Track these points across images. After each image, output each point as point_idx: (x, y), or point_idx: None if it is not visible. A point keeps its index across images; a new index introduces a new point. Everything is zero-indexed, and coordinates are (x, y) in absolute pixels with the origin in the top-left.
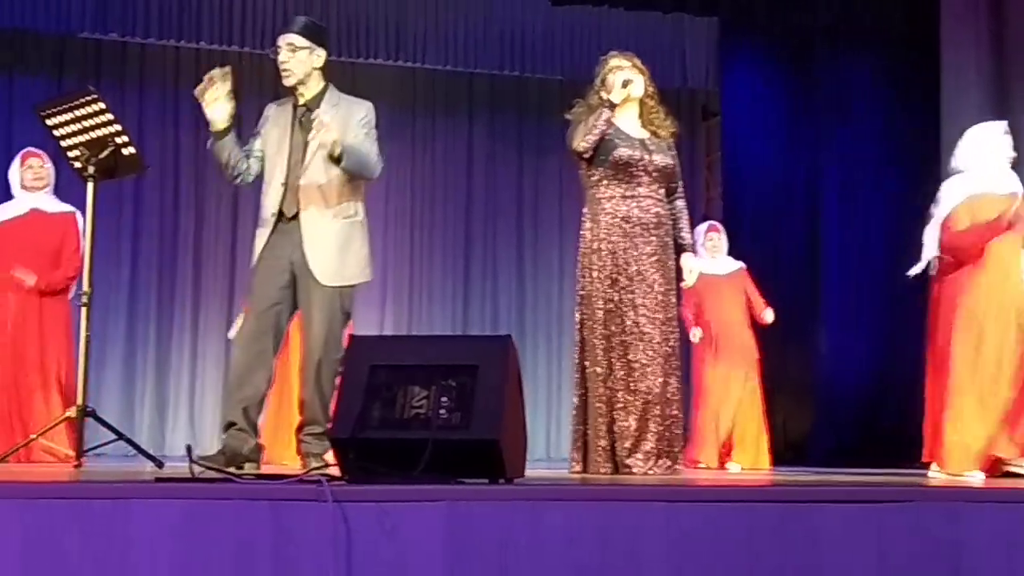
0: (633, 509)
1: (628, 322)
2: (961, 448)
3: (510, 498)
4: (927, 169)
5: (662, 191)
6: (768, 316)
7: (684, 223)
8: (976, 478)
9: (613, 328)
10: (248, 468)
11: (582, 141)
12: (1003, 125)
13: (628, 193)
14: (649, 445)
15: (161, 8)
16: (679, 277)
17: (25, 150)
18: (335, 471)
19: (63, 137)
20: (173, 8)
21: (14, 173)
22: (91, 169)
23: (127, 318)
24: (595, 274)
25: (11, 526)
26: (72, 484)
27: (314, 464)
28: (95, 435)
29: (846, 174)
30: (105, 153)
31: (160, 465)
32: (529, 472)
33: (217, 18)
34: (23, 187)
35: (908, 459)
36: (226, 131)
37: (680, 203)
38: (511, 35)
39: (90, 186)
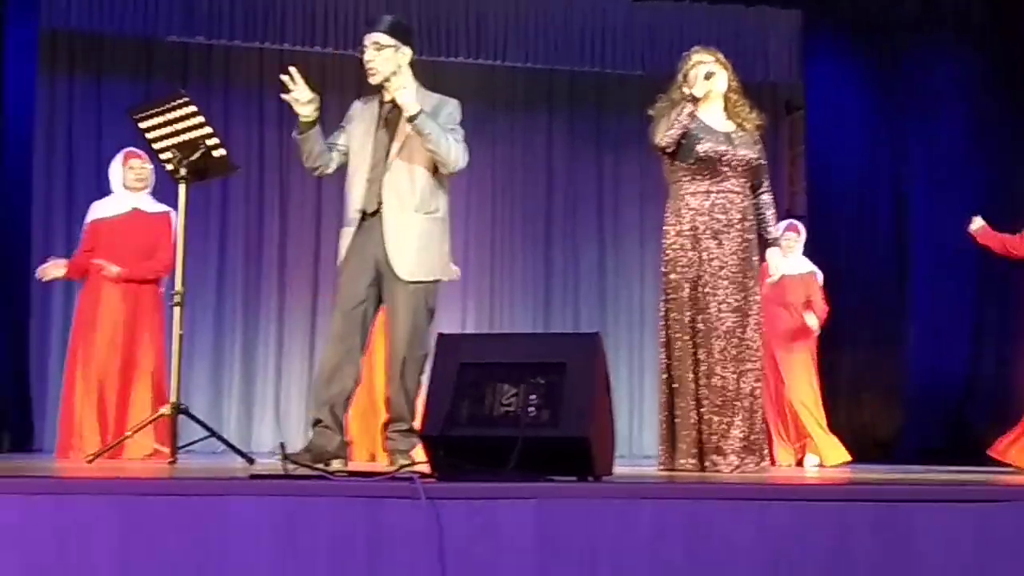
0: (724, 507)
1: (712, 318)
2: None
3: (600, 496)
4: (1017, 160)
5: (747, 185)
6: (810, 320)
7: (770, 217)
8: None
9: (697, 325)
10: (335, 465)
11: (664, 136)
12: None
13: (712, 188)
14: (735, 442)
15: (246, 11)
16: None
17: (127, 150)
18: (425, 468)
19: (155, 140)
20: (258, 11)
21: (115, 172)
22: (183, 171)
23: (214, 316)
24: (679, 270)
25: (111, 522)
26: (170, 480)
27: (401, 461)
28: (186, 432)
29: (933, 167)
30: (196, 155)
31: (251, 462)
32: (614, 469)
33: (301, 20)
34: (125, 187)
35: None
36: (312, 123)
37: (766, 197)
38: (591, 31)
39: (182, 187)
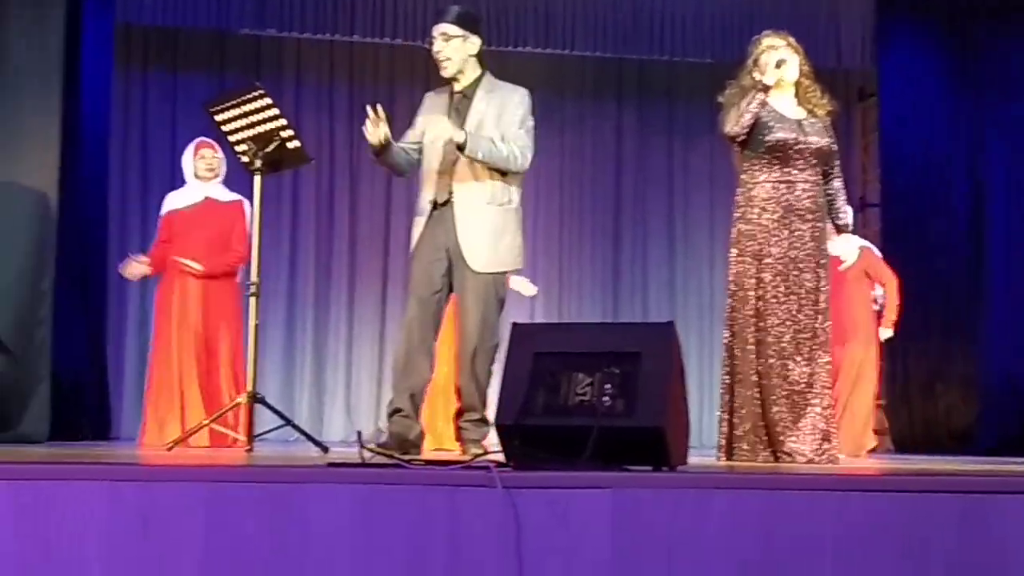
0: (801, 498)
1: (780, 308)
2: None
3: (677, 486)
4: None
5: (818, 173)
6: (884, 332)
7: (841, 204)
8: None
9: (765, 314)
10: (412, 454)
11: (735, 125)
12: None
13: (783, 177)
14: (805, 433)
15: (317, 4)
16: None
17: (199, 140)
18: (499, 457)
19: (231, 132)
20: (328, 4)
21: (187, 162)
22: (258, 162)
23: (286, 306)
24: (748, 259)
25: (194, 508)
26: (251, 468)
27: (473, 450)
28: (260, 420)
29: (1011, 154)
30: (271, 147)
31: (325, 450)
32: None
33: (370, 12)
34: (196, 176)
35: None
36: (383, 148)
37: (837, 184)
38: (660, 19)
39: (257, 179)
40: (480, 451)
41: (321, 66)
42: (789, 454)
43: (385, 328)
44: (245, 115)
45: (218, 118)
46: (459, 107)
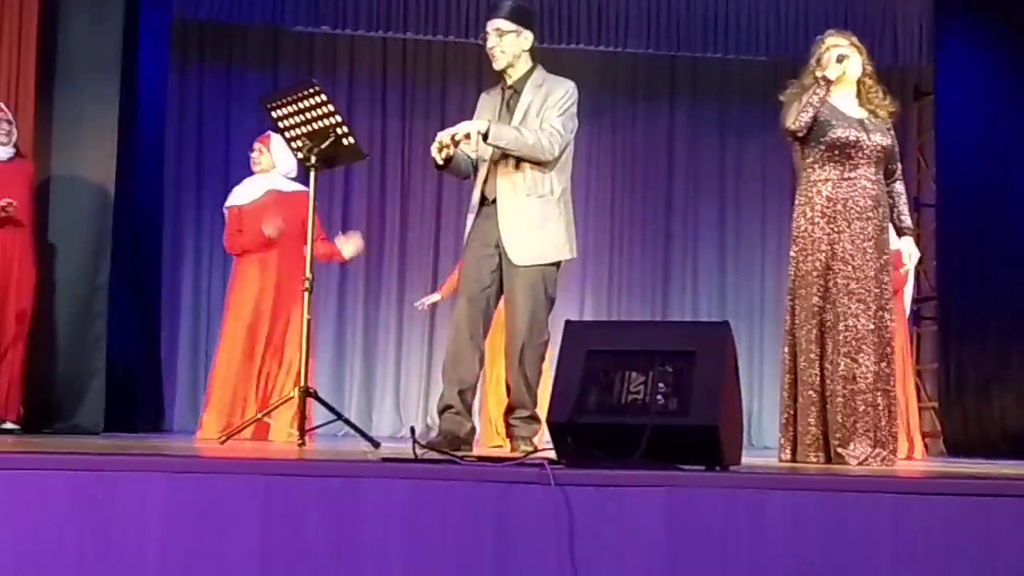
0: (859, 501)
1: (840, 308)
2: None
3: (732, 486)
4: None
5: (879, 173)
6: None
7: (903, 206)
8: None
9: (825, 314)
10: (463, 450)
11: (795, 120)
12: None
13: (844, 175)
14: (863, 434)
15: (370, 1)
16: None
17: (265, 134)
18: (551, 454)
19: (287, 128)
20: (381, 1)
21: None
22: (313, 159)
23: (337, 302)
24: (808, 258)
25: (250, 501)
26: (306, 462)
27: (523, 447)
28: (313, 415)
29: None
30: (327, 143)
31: (376, 445)
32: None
33: (423, 9)
34: (261, 168)
35: None
36: (445, 165)
37: (899, 186)
38: (714, 16)
39: (312, 175)
40: (531, 448)
41: (374, 63)
42: (846, 455)
43: (435, 325)
44: (301, 111)
45: (274, 114)
46: (510, 101)
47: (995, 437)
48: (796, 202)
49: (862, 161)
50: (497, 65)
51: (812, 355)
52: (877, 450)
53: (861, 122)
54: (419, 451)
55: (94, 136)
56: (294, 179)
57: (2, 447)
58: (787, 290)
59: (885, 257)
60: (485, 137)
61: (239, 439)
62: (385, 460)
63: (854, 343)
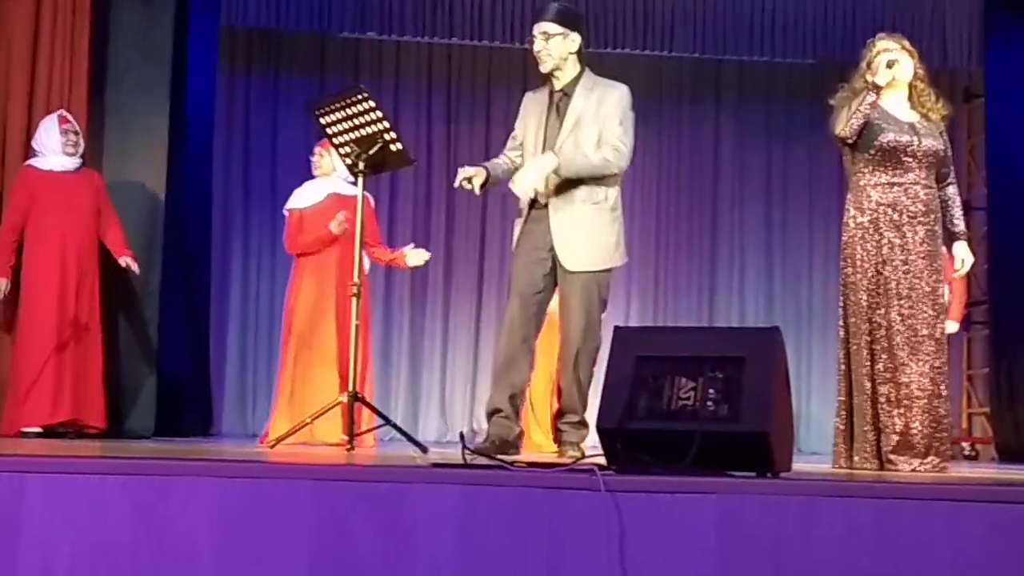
0: (913, 508)
1: (893, 314)
2: None
3: (785, 492)
4: None
5: (931, 177)
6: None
7: (956, 210)
8: None
9: (878, 320)
10: (511, 455)
11: (845, 126)
12: None
13: (895, 180)
14: (916, 441)
15: (415, 7)
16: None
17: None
18: (601, 460)
19: (335, 135)
20: (426, 6)
21: (336, 157)
22: (361, 164)
23: (383, 307)
24: (859, 264)
25: (302, 506)
26: (358, 467)
27: (572, 452)
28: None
29: None
30: (374, 149)
31: (424, 450)
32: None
33: (468, 14)
34: (322, 172)
35: None
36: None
37: (951, 189)
38: (760, 19)
39: (360, 180)
40: (579, 453)
41: (419, 68)
42: (899, 462)
43: (480, 330)
44: (349, 117)
45: (322, 120)
46: (559, 105)
47: None
48: (846, 207)
49: (913, 165)
50: (544, 68)
51: (865, 361)
52: (931, 457)
53: (912, 126)
54: (468, 456)
55: (145, 144)
56: (353, 183)
57: (56, 451)
58: (839, 296)
59: (938, 262)
60: (557, 172)
61: (296, 444)
62: (435, 465)
63: (907, 348)
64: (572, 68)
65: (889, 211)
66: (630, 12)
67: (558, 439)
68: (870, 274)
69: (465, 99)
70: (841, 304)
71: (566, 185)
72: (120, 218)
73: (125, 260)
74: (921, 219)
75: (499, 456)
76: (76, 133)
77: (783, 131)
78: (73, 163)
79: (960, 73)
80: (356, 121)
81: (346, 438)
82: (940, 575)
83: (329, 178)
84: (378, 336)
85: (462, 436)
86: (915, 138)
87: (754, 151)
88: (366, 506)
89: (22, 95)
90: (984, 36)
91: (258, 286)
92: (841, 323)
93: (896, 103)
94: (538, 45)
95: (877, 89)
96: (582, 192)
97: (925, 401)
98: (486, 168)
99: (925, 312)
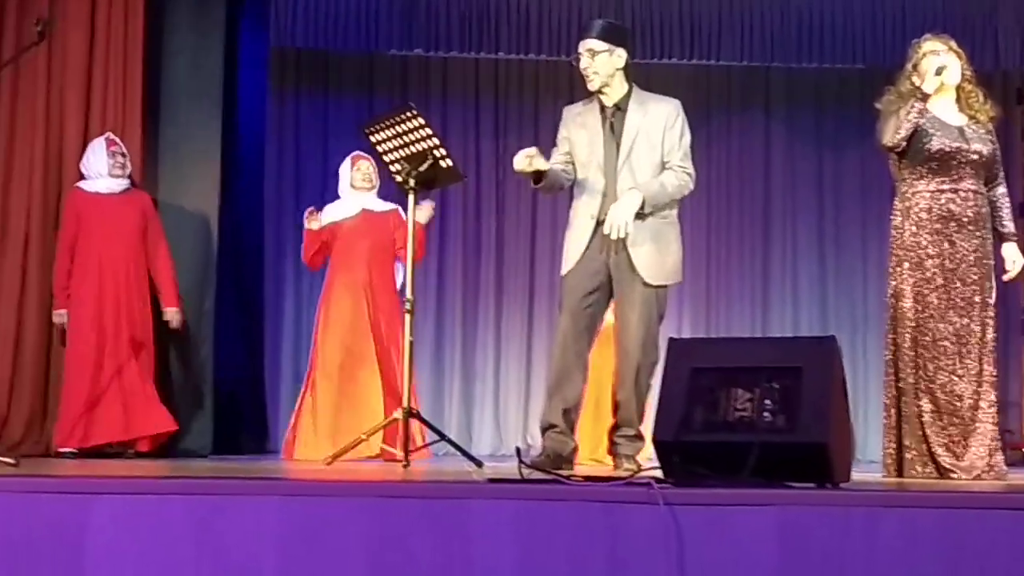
0: (976, 517)
1: (944, 322)
2: None
3: (846, 504)
4: None
5: (981, 181)
6: None
7: (1006, 211)
8: None
9: (927, 327)
10: (566, 469)
11: (893, 135)
12: None
13: (945, 186)
14: (972, 449)
15: (461, 22)
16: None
17: (355, 153)
18: (657, 473)
19: (385, 152)
20: (472, 22)
21: (344, 173)
22: (412, 181)
23: (435, 321)
24: (908, 272)
25: (361, 523)
26: (417, 484)
27: (626, 465)
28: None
29: None
30: (425, 166)
31: (479, 465)
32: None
33: (514, 29)
34: (352, 187)
35: None
36: (541, 176)
37: (1001, 190)
38: (808, 25)
39: (411, 197)
40: (634, 467)
41: (466, 84)
42: (954, 470)
43: (532, 343)
44: (399, 135)
45: (373, 139)
46: (613, 121)
47: None
48: (894, 213)
49: (963, 170)
50: (592, 86)
51: (916, 367)
52: (987, 462)
53: (961, 130)
54: (525, 471)
55: (198, 165)
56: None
57: (119, 472)
58: (888, 303)
59: (988, 265)
60: (642, 208)
61: (345, 460)
62: (491, 481)
63: (959, 356)
64: (620, 84)
65: (938, 218)
66: (676, 22)
67: (612, 452)
68: (920, 280)
69: (513, 113)
70: (890, 311)
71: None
72: (175, 238)
73: (170, 313)
74: (971, 226)
75: (555, 471)
76: (123, 155)
77: (834, 138)
78: (120, 185)
79: (1013, 73)
80: (406, 138)
81: (391, 450)
82: None
83: (364, 194)
84: (429, 350)
85: (518, 451)
86: (964, 143)
87: (805, 158)
88: (424, 522)
89: (77, 121)
90: None
91: (311, 303)
92: (890, 329)
93: (944, 107)
94: (584, 62)
95: (925, 96)
96: (649, 207)
97: (978, 410)
98: (548, 167)
99: (975, 316)
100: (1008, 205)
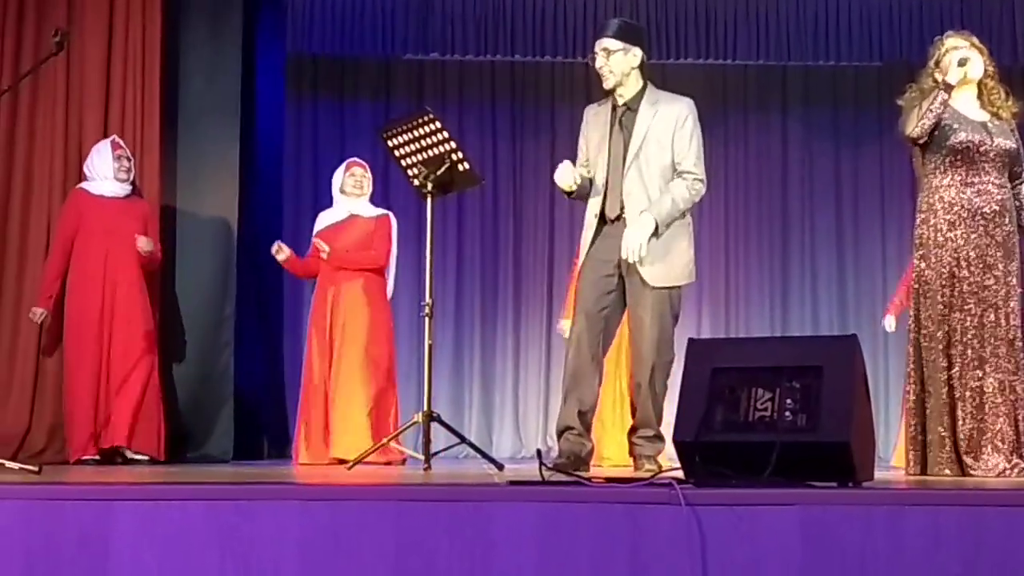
0: (1001, 516)
1: (968, 317)
2: None
3: (869, 503)
4: None
5: (1004, 176)
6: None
7: None
8: None
9: (952, 322)
10: (582, 471)
11: (916, 127)
12: None
13: (968, 180)
14: (996, 445)
15: (477, 26)
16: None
17: (350, 159)
18: (678, 474)
19: (403, 156)
20: (488, 25)
21: (337, 179)
22: (429, 185)
23: (454, 325)
24: (933, 266)
25: (384, 526)
26: (439, 487)
27: (647, 466)
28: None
29: None
30: (442, 170)
31: (500, 468)
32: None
33: (530, 31)
34: (343, 192)
35: None
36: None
37: None
38: (825, 23)
39: (428, 201)
40: (655, 467)
41: (483, 87)
42: (980, 467)
43: (551, 346)
44: (416, 139)
45: (390, 143)
46: (623, 120)
47: None
48: (918, 209)
49: (986, 165)
50: (607, 84)
51: (940, 364)
52: (1015, 460)
53: (984, 125)
54: (546, 473)
55: (216, 173)
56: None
57: (142, 478)
58: (911, 299)
59: (1013, 262)
60: (657, 227)
61: (368, 463)
62: (512, 483)
63: (982, 350)
64: (635, 83)
65: (962, 212)
66: (691, 21)
67: (632, 453)
68: (944, 276)
69: (529, 116)
70: (913, 307)
71: (644, 199)
72: (194, 248)
73: (141, 240)
74: (996, 220)
75: (576, 472)
76: (129, 159)
77: (852, 136)
78: (124, 189)
79: None
80: (423, 143)
81: (407, 451)
82: None
83: (355, 200)
84: (449, 354)
85: (539, 453)
86: (987, 137)
87: (822, 156)
88: (445, 525)
89: (96, 131)
90: None
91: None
92: (913, 326)
93: (966, 102)
94: (600, 61)
95: (948, 88)
96: (662, 228)
97: (1004, 405)
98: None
99: (1000, 313)
100: None
